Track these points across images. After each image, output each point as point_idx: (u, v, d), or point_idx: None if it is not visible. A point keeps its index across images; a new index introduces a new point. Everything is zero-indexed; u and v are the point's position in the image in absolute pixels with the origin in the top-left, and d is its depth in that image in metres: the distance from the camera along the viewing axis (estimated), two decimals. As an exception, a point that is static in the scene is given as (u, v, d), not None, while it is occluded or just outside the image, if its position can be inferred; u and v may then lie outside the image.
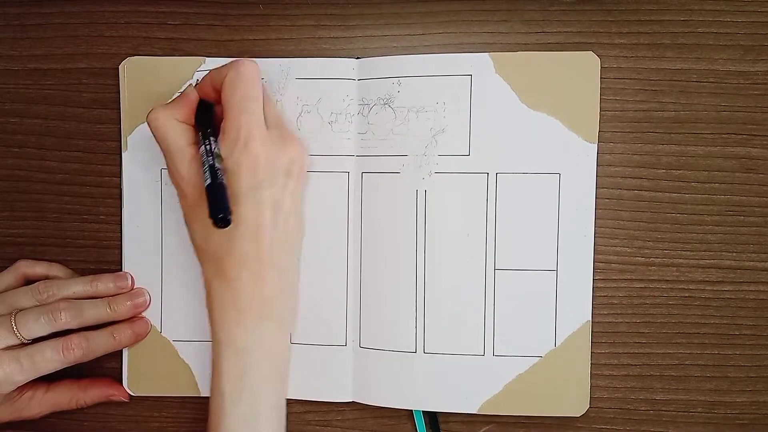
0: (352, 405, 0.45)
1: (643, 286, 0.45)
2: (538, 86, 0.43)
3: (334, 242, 0.45)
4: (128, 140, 0.45)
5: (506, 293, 0.44)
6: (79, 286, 0.44)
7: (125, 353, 0.45)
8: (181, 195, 0.40)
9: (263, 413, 0.39)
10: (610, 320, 0.45)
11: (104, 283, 0.44)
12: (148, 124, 0.40)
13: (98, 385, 0.45)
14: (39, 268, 0.45)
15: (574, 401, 0.44)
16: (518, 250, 0.44)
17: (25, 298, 0.42)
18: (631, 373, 0.45)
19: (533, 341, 0.44)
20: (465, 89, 0.43)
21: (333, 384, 0.45)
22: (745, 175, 0.44)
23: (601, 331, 0.45)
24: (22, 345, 0.41)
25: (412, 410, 0.45)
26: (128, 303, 0.44)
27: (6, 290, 0.44)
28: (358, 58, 0.44)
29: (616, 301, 0.45)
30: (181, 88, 0.44)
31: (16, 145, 0.46)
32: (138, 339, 0.45)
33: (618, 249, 0.45)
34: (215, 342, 0.40)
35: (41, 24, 0.45)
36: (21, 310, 0.41)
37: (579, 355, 0.44)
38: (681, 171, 0.44)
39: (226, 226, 0.36)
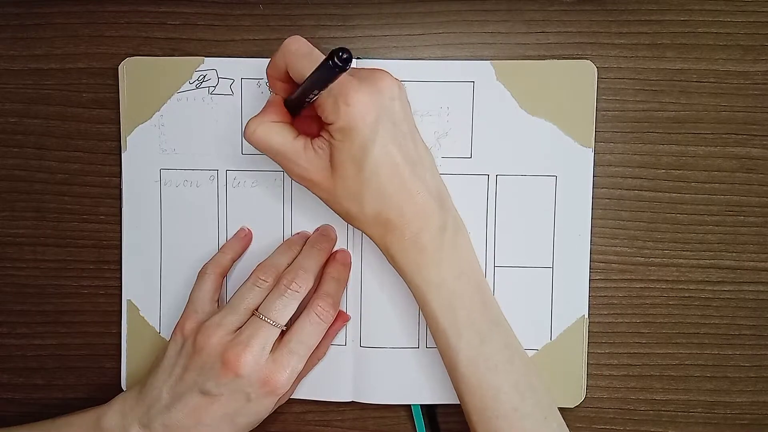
0: (352, 405, 0.45)
1: (643, 286, 0.45)
2: (537, 93, 0.44)
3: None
4: (128, 140, 0.45)
5: (505, 289, 0.45)
6: (286, 256, 0.43)
7: (124, 353, 0.45)
8: (314, 185, 0.39)
9: (485, 333, 0.39)
10: (610, 320, 0.45)
11: (297, 242, 0.44)
12: (247, 139, 0.39)
13: (329, 335, 0.44)
14: (224, 260, 0.44)
15: (570, 392, 0.45)
16: (517, 248, 0.44)
17: (252, 294, 0.41)
18: (630, 373, 0.45)
19: (530, 335, 0.44)
20: (467, 95, 0.44)
21: (333, 384, 0.45)
22: (745, 175, 0.44)
23: (601, 330, 0.45)
24: (281, 335, 0.40)
25: (411, 410, 0.45)
26: (325, 237, 0.44)
27: (212, 300, 0.43)
28: (358, 58, 0.44)
29: (615, 301, 0.45)
30: (180, 88, 0.44)
31: (16, 145, 0.46)
32: (348, 268, 0.45)
33: (618, 249, 0.45)
34: (414, 289, 0.40)
35: (41, 24, 0.45)
36: (261, 305, 0.40)
37: (574, 348, 0.44)
38: (681, 171, 0.44)
39: (350, 58, 0.33)
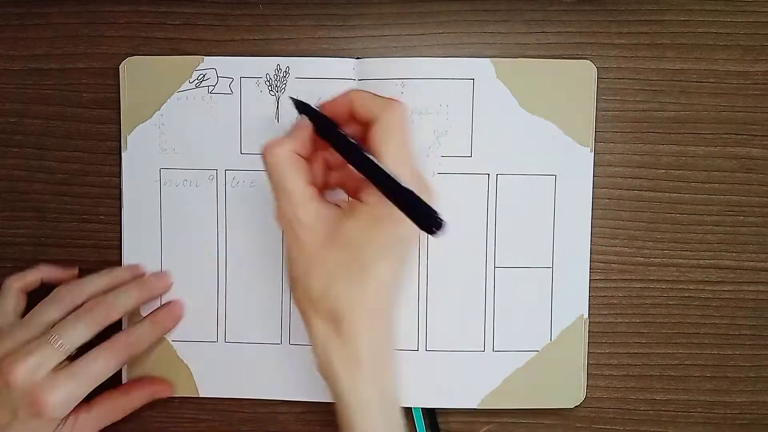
0: (352, 405, 0.45)
1: (642, 286, 0.45)
2: (537, 92, 0.44)
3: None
4: (128, 140, 0.45)
5: (505, 290, 0.44)
6: (100, 281, 0.42)
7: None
8: (296, 242, 0.36)
9: None
10: (610, 320, 0.45)
11: (121, 274, 0.43)
12: (263, 159, 0.36)
13: (140, 387, 0.44)
14: (30, 276, 0.43)
15: (571, 393, 0.45)
16: (516, 248, 0.44)
17: (49, 312, 0.40)
18: (630, 373, 0.45)
19: (530, 336, 0.44)
20: (467, 93, 0.44)
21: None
22: (745, 175, 0.44)
23: (601, 330, 0.45)
24: (70, 359, 0.39)
25: (411, 410, 0.45)
26: (158, 280, 0.43)
27: (15, 313, 0.42)
28: (358, 58, 0.44)
29: (615, 301, 0.45)
30: (180, 87, 0.44)
31: (16, 145, 0.46)
32: (177, 320, 0.44)
33: (618, 249, 0.45)
34: (340, 402, 0.37)
35: (41, 24, 0.45)
36: (55, 325, 0.39)
37: (574, 348, 0.44)
38: (681, 171, 0.44)
39: (443, 228, 0.31)
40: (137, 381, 0.44)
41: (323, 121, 0.37)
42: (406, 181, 0.33)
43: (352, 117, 0.37)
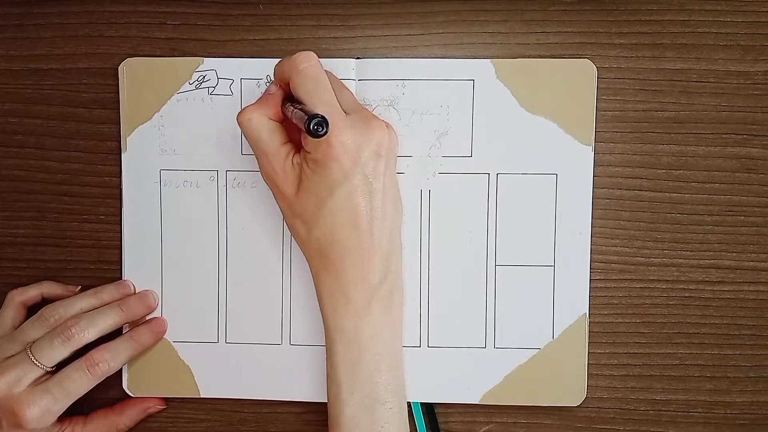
0: (353, 405, 0.45)
1: (643, 286, 0.45)
2: (537, 91, 0.44)
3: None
4: (128, 141, 0.45)
5: (507, 288, 0.45)
6: (84, 301, 0.43)
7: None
8: (278, 193, 0.40)
9: (381, 399, 0.39)
10: (610, 320, 0.45)
11: (108, 293, 0.44)
12: (239, 125, 0.39)
13: (132, 405, 0.45)
14: (32, 291, 0.44)
15: (572, 391, 0.45)
16: (518, 247, 0.44)
17: (33, 330, 0.42)
18: (631, 373, 0.45)
19: (532, 334, 0.45)
20: (468, 93, 0.44)
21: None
22: (745, 175, 0.44)
23: (601, 330, 0.45)
24: (48, 375, 0.41)
25: (411, 409, 0.45)
26: (138, 302, 0.44)
27: (12, 326, 0.43)
28: (358, 58, 0.44)
29: (615, 301, 0.45)
30: (180, 88, 0.44)
31: (16, 145, 0.46)
32: (158, 337, 0.45)
33: (618, 249, 0.45)
34: (327, 332, 0.40)
35: (41, 24, 0.45)
36: (35, 342, 0.41)
37: (576, 347, 0.45)
38: (681, 171, 0.44)
39: (326, 131, 0.34)
40: (131, 401, 0.46)
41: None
42: (335, 121, 0.37)
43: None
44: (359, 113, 0.39)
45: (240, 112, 0.39)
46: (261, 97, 0.41)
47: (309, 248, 0.40)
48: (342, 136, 0.37)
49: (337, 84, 0.41)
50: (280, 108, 0.40)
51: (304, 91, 0.38)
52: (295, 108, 0.37)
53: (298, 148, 0.40)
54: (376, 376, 0.39)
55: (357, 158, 0.38)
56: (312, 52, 0.39)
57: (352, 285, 0.39)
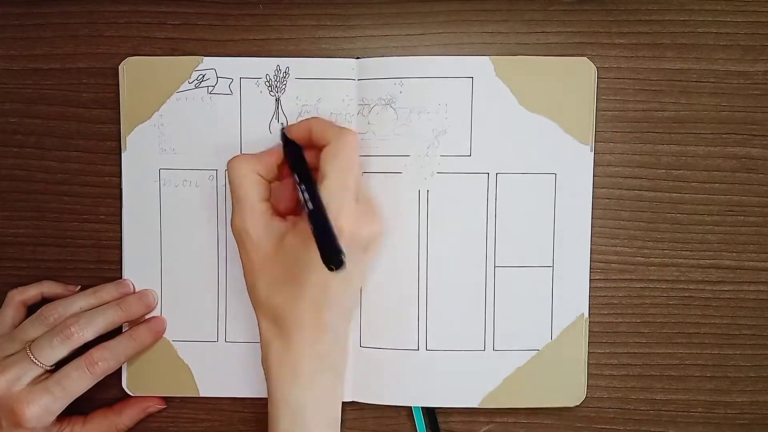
0: (353, 405, 0.45)
1: (643, 286, 0.45)
2: (537, 90, 0.44)
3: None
4: (127, 140, 0.45)
5: (505, 289, 0.44)
6: (83, 300, 0.43)
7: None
8: (244, 252, 0.40)
9: None
10: (610, 320, 0.45)
11: (107, 292, 0.44)
12: (227, 169, 0.40)
13: (132, 405, 0.45)
14: (32, 291, 0.44)
15: (571, 392, 0.45)
16: (517, 248, 0.44)
17: (33, 329, 0.42)
18: (631, 373, 0.45)
19: (531, 335, 0.45)
20: (466, 91, 0.44)
21: (333, 384, 0.45)
22: (745, 175, 0.44)
23: (601, 330, 0.45)
24: (48, 374, 0.41)
25: (411, 410, 0.45)
26: (138, 301, 0.44)
27: (12, 325, 0.43)
28: (358, 58, 0.44)
29: (615, 301, 0.45)
30: (179, 87, 0.44)
31: (16, 145, 0.46)
32: (157, 336, 0.45)
33: (618, 249, 0.45)
34: (270, 400, 0.40)
35: (41, 24, 0.45)
36: (35, 340, 0.41)
37: (575, 347, 0.44)
38: (681, 171, 0.44)
39: (341, 268, 0.35)
40: (129, 400, 0.46)
41: (292, 146, 0.41)
42: (344, 206, 0.37)
43: (311, 142, 0.41)
44: (366, 205, 0.41)
45: (231, 159, 0.40)
46: (261, 153, 0.42)
47: (263, 311, 0.40)
48: (345, 223, 0.38)
49: (359, 169, 0.42)
50: (275, 167, 0.41)
51: (335, 164, 0.38)
52: (316, 212, 0.37)
53: (285, 204, 0.41)
54: None
55: (349, 246, 0.37)
56: (357, 133, 0.40)
57: (302, 358, 0.39)
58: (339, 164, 0.38)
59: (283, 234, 0.39)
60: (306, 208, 0.37)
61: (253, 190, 0.40)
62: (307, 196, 0.37)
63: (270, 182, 0.41)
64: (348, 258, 0.36)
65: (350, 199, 0.38)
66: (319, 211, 0.37)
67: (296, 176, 0.39)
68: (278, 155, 0.41)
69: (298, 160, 0.40)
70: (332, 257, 0.35)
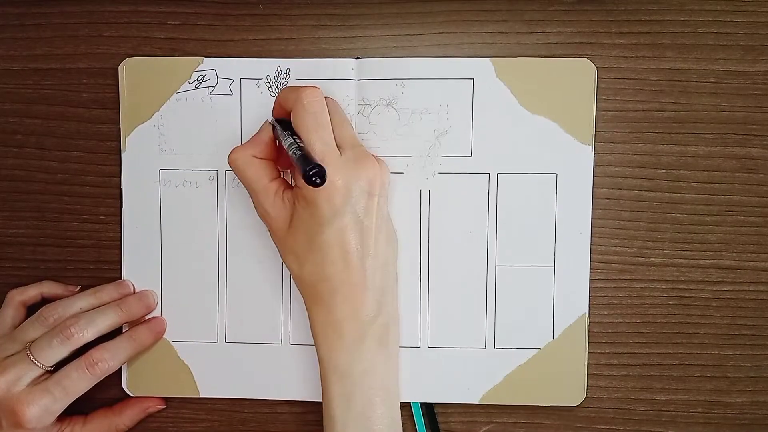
0: (353, 405, 0.45)
1: (643, 286, 0.45)
2: (537, 91, 0.44)
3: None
4: (127, 140, 0.45)
5: (507, 288, 0.45)
6: (83, 301, 0.43)
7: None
8: (271, 230, 0.41)
9: (376, 429, 0.39)
10: (610, 320, 0.45)
11: (107, 293, 0.44)
12: (229, 165, 0.41)
13: (132, 405, 0.45)
14: (32, 291, 0.44)
15: (572, 391, 0.45)
16: (518, 247, 0.44)
17: (33, 329, 0.42)
18: (631, 373, 0.45)
19: (532, 334, 0.45)
20: (467, 92, 0.44)
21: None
22: (745, 175, 0.44)
23: (601, 330, 0.45)
24: (48, 375, 0.41)
25: (411, 409, 0.45)
26: (138, 301, 0.44)
27: (12, 325, 0.43)
28: (358, 58, 0.44)
29: (615, 301, 0.45)
30: (179, 88, 0.44)
31: (16, 145, 0.46)
32: (157, 337, 0.45)
33: (618, 249, 0.45)
34: (321, 366, 0.40)
35: (41, 24, 0.45)
36: (34, 341, 0.41)
37: (576, 347, 0.45)
38: (681, 171, 0.44)
39: (323, 181, 0.35)
40: (129, 400, 0.46)
41: (281, 123, 0.41)
42: (326, 159, 0.38)
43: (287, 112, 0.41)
44: (354, 150, 0.40)
45: (229, 153, 0.41)
46: (252, 137, 0.42)
47: (301, 283, 0.41)
48: (333, 175, 0.38)
49: (338, 118, 0.41)
50: (269, 145, 0.41)
51: (303, 125, 0.39)
52: (293, 146, 0.38)
53: (288, 185, 0.41)
54: (369, 410, 0.39)
55: (348, 197, 0.38)
56: (318, 88, 0.40)
57: (343, 321, 0.39)
58: (306, 123, 0.39)
59: (294, 205, 0.40)
60: (287, 151, 0.38)
61: (258, 172, 0.40)
62: (282, 138, 0.39)
63: (272, 161, 0.42)
64: (355, 204, 0.38)
65: (329, 151, 0.38)
66: (294, 143, 0.38)
67: (287, 138, 0.39)
68: (267, 132, 0.41)
69: (282, 126, 0.41)
70: (309, 170, 0.34)
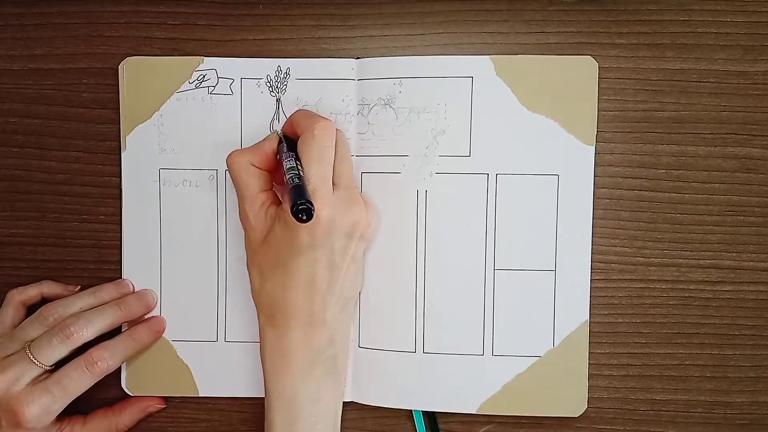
0: (352, 405, 0.45)
1: (643, 286, 0.45)
2: (538, 89, 0.43)
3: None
4: (127, 140, 0.45)
5: (505, 293, 0.44)
6: (83, 300, 0.43)
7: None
8: (246, 238, 0.41)
9: None
10: (610, 320, 0.45)
11: (107, 292, 0.44)
12: (227, 165, 0.41)
13: (131, 404, 0.45)
14: (31, 291, 0.45)
15: (573, 401, 0.44)
16: (517, 251, 0.44)
17: (32, 328, 0.42)
18: (630, 373, 0.45)
19: (532, 341, 0.44)
20: (466, 91, 0.43)
21: (333, 384, 0.45)
22: (745, 175, 0.44)
23: (601, 331, 0.45)
24: (47, 374, 0.41)
25: (411, 410, 0.45)
26: (137, 301, 0.44)
27: (12, 325, 0.43)
28: (358, 58, 0.44)
29: (616, 302, 0.45)
30: (179, 87, 0.44)
31: (16, 145, 0.46)
32: (157, 336, 0.45)
33: (618, 249, 0.45)
34: (266, 392, 0.40)
35: (41, 24, 0.45)
36: (34, 340, 0.41)
37: (577, 355, 0.44)
38: (681, 171, 0.44)
39: (309, 219, 0.35)
40: (128, 400, 0.46)
41: (287, 140, 0.42)
42: (318, 192, 0.38)
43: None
44: (347, 191, 0.41)
45: (230, 154, 0.41)
46: (256, 144, 0.42)
47: (258, 300, 0.41)
48: (321, 209, 0.38)
49: (341, 154, 0.42)
50: (270, 156, 0.41)
51: (307, 154, 0.39)
52: (292, 171, 0.38)
53: (277, 199, 0.41)
54: None
55: (329, 234, 0.39)
56: (331, 122, 0.41)
57: (295, 347, 0.40)
58: (310, 153, 0.39)
59: (275, 222, 0.40)
60: (285, 174, 0.38)
61: (251, 181, 0.41)
62: (285, 157, 0.39)
63: (269, 172, 0.42)
64: (333, 241, 0.38)
65: (324, 186, 0.39)
66: (294, 167, 0.38)
67: (284, 146, 0.40)
68: (271, 144, 0.42)
69: (288, 144, 0.41)
70: (299, 205, 0.35)
